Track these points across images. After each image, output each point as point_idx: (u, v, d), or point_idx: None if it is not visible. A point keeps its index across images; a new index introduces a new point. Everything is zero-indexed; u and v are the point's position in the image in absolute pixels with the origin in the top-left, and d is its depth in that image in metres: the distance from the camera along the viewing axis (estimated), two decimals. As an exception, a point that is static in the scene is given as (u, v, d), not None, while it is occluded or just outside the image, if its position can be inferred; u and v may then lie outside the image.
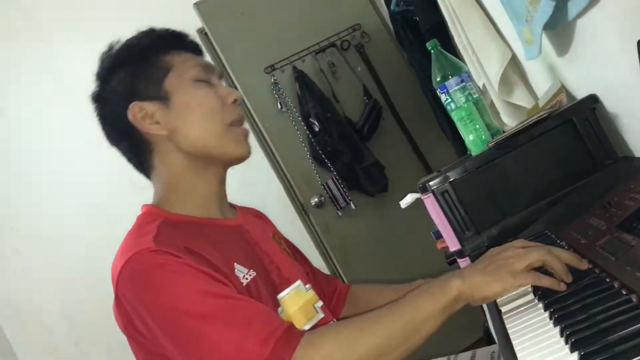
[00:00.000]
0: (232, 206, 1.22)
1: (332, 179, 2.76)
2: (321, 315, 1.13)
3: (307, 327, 1.06)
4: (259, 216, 1.31)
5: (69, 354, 2.84)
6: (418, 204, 1.39)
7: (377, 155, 2.78)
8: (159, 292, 0.89)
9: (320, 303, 1.15)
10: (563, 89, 1.37)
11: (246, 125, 1.17)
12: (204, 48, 2.78)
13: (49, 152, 2.89)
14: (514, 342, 0.70)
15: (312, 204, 2.75)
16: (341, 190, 2.75)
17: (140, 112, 1.05)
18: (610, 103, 1.22)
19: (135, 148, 1.10)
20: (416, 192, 1.40)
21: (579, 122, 1.23)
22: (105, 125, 1.12)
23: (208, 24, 2.69)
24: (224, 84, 1.17)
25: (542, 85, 1.57)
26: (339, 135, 2.70)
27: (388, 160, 2.82)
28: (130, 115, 1.05)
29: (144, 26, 1.11)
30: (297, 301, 1.09)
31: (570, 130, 1.24)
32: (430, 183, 1.30)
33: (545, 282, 0.80)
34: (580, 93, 1.32)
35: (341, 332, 0.90)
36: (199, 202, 1.09)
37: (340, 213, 2.77)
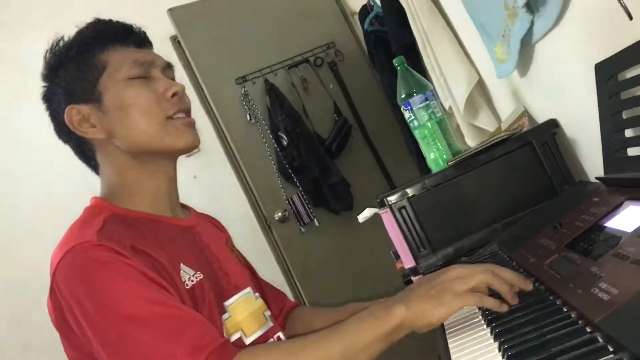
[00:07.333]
0: (186, 207, 1.19)
1: (298, 194, 2.74)
2: (271, 324, 1.10)
3: (258, 334, 1.05)
4: (214, 223, 1.28)
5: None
6: (379, 223, 1.37)
7: (344, 173, 2.76)
8: (94, 289, 0.85)
9: (269, 312, 1.13)
10: (526, 112, 1.38)
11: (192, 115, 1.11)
12: (176, 55, 2.78)
13: (3, 151, 2.82)
14: (452, 357, 0.68)
15: (276, 218, 2.72)
16: (306, 206, 2.73)
17: (77, 116, 1.02)
18: (570, 127, 1.23)
19: (80, 148, 1.08)
20: (375, 207, 1.39)
21: (539, 146, 1.24)
22: (54, 124, 1.09)
23: (181, 31, 2.67)
24: (189, 78, 1.12)
25: (507, 110, 1.58)
26: (307, 150, 2.69)
27: (354, 178, 2.81)
28: (66, 120, 1.02)
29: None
30: (247, 308, 1.06)
31: (530, 153, 1.25)
32: (389, 198, 1.29)
33: (488, 303, 0.78)
34: (542, 117, 1.33)
35: (274, 354, 0.87)
36: (147, 199, 1.05)
37: (303, 229, 2.74)
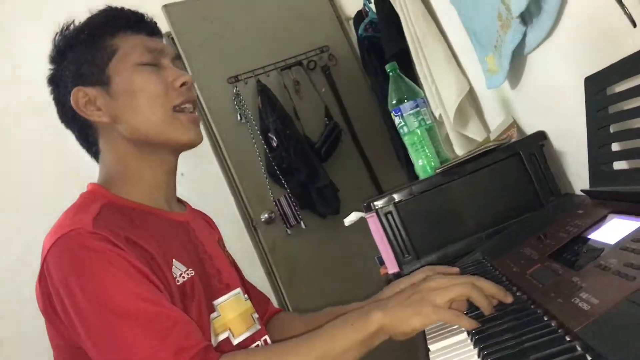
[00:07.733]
0: (182, 202, 1.18)
1: (285, 196, 2.73)
2: (259, 326, 1.09)
3: (246, 335, 1.04)
4: (207, 221, 1.27)
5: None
6: (365, 227, 1.37)
7: (332, 177, 2.76)
8: (86, 278, 0.84)
9: (257, 315, 1.12)
10: (515, 123, 1.38)
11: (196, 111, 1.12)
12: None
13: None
14: (432, 362, 0.68)
15: (262, 219, 2.71)
16: (293, 208, 2.72)
17: (83, 98, 1.02)
18: (558, 140, 1.24)
19: (83, 132, 1.07)
20: (361, 211, 1.39)
21: (526, 157, 1.25)
22: (58, 108, 1.08)
23: (175, 28, 2.66)
24: (181, 65, 1.11)
25: (496, 120, 1.59)
26: (296, 153, 2.68)
27: (342, 182, 2.81)
28: (72, 101, 1.02)
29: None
30: (236, 308, 1.06)
31: (517, 164, 1.26)
32: (375, 203, 1.29)
33: (464, 323, 0.77)
34: (531, 129, 1.34)
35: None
36: (145, 190, 1.04)
37: (289, 231, 2.73)
